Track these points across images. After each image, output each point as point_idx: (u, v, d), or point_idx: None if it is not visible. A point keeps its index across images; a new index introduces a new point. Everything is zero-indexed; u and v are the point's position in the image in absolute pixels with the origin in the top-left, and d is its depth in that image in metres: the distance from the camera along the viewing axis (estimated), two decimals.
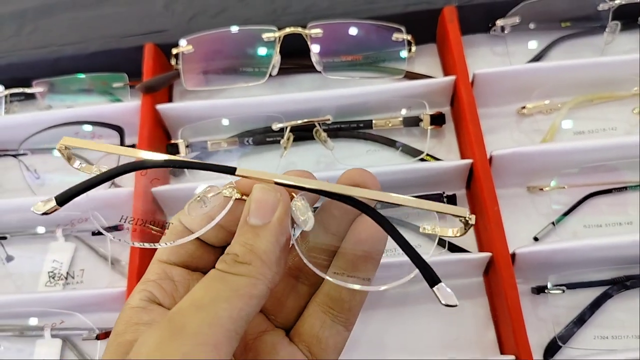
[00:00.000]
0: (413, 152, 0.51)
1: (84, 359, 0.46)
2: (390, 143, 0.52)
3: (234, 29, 0.53)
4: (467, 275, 0.46)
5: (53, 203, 0.22)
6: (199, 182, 0.49)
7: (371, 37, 0.53)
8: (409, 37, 0.53)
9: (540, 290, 0.44)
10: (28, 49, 0.57)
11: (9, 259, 0.51)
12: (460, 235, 0.24)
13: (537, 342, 0.43)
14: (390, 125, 0.52)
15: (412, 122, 0.51)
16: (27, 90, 0.56)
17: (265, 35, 0.52)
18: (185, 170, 0.51)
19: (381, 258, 0.26)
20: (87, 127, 0.52)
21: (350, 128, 0.52)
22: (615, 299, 0.44)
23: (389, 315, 0.46)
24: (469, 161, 0.46)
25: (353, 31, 0.53)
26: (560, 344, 0.42)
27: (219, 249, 0.26)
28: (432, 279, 0.22)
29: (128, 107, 0.52)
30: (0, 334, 0.48)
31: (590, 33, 0.54)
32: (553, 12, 0.54)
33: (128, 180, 0.51)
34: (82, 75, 0.56)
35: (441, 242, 0.47)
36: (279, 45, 0.51)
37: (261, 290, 0.22)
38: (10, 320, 0.48)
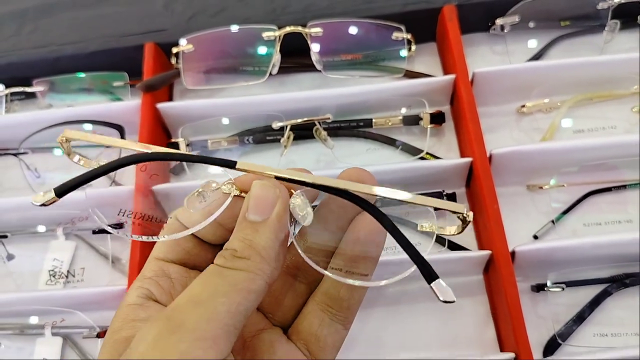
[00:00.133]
0: (413, 151, 0.51)
1: (84, 358, 0.46)
2: (390, 142, 0.52)
3: (234, 28, 0.53)
4: (467, 274, 0.46)
5: (52, 194, 0.22)
6: (200, 180, 0.49)
7: (371, 36, 0.53)
8: (409, 36, 0.53)
9: (539, 288, 0.44)
10: (28, 48, 0.57)
11: (10, 257, 0.51)
12: (458, 233, 0.24)
13: (536, 339, 0.43)
14: (390, 124, 0.52)
15: (412, 120, 0.51)
16: (28, 90, 0.56)
17: (265, 34, 0.52)
18: (186, 168, 0.51)
19: (380, 256, 0.26)
20: (88, 126, 0.52)
21: (350, 127, 0.52)
22: (614, 297, 0.44)
23: (388, 313, 0.46)
24: (468, 160, 0.46)
25: (353, 30, 0.53)
26: (559, 341, 0.42)
27: (216, 247, 0.26)
28: (430, 275, 0.22)
29: (128, 106, 0.53)
30: (0, 332, 0.48)
31: (589, 32, 0.54)
32: (552, 11, 0.54)
33: (128, 179, 0.52)
34: (83, 75, 0.56)
35: (441, 241, 0.47)
36: (279, 44, 0.52)
37: (259, 285, 0.22)
38: (10, 319, 0.48)
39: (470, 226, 0.48)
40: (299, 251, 0.24)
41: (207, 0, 0.58)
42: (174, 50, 0.53)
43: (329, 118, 0.49)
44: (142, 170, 0.43)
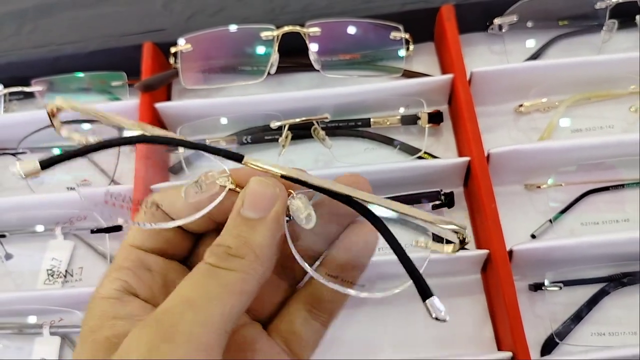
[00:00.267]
0: (411, 150, 0.51)
1: None
2: (388, 141, 0.52)
3: (233, 27, 0.53)
4: (465, 273, 0.47)
5: (36, 165, 0.20)
6: None
7: (369, 35, 0.53)
8: (407, 36, 0.53)
9: (537, 287, 0.44)
10: (27, 48, 0.57)
11: (8, 257, 0.52)
12: (454, 252, 0.23)
13: (534, 338, 0.43)
14: (388, 123, 0.52)
15: (410, 120, 0.52)
16: (26, 89, 0.56)
17: (263, 34, 0.52)
18: (184, 166, 0.51)
19: (367, 266, 0.25)
20: (86, 125, 0.52)
21: (348, 126, 0.52)
22: (612, 296, 0.44)
23: (385, 312, 0.46)
24: (466, 159, 0.46)
25: (351, 30, 0.53)
26: (557, 340, 0.42)
27: (195, 237, 0.25)
28: (424, 292, 0.21)
29: (127, 105, 0.53)
30: None
31: (587, 31, 0.54)
32: (550, 10, 0.54)
33: (127, 178, 0.52)
34: (81, 74, 0.56)
35: (439, 239, 0.47)
36: (277, 44, 0.52)
37: (252, 286, 0.21)
38: (9, 318, 0.48)
39: (468, 225, 0.48)
40: (293, 251, 0.23)
41: (206, 0, 0.58)
42: (173, 50, 0.53)
43: (327, 118, 0.49)
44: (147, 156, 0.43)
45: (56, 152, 0.54)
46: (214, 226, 0.25)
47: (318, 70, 0.53)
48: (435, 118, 0.51)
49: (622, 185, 0.48)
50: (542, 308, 0.44)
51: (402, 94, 0.51)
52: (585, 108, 0.52)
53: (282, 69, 0.53)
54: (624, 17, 0.52)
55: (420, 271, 0.21)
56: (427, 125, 0.50)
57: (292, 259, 0.23)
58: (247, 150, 0.53)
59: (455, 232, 0.22)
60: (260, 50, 0.53)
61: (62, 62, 0.55)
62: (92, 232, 0.51)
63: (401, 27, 0.53)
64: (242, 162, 0.22)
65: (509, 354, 0.40)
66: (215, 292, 0.20)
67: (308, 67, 0.53)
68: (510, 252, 0.43)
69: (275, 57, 0.52)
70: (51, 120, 0.24)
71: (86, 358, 0.20)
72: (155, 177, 0.50)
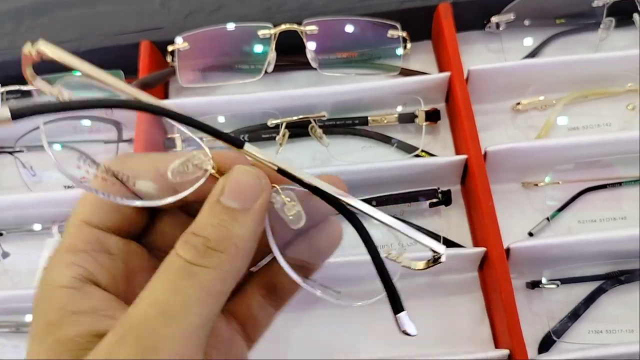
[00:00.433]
0: (408, 149, 0.51)
1: None
2: (386, 139, 0.52)
3: (230, 26, 0.53)
4: (462, 271, 0.47)
5: (6, 113, 0.17)
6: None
7: (366, 34, 0.53)
8: (404, 34, 0.53)
9: (534, 285, 0.44)
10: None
11: (5, 255, 0.51)
12: (423, 269, 0.22)
13: (531, 336, 0.43)
14: (385, 121, 0.52)
15: (408, 118, 0.52)
16: (23, 88, 0.56)
17: (260, 32, 0.52)
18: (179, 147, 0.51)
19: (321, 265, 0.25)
20: (86, 122, 0.52)
21: (345, 124, 0.52)
22: (609, 294, 0.44)
23: (382, 309, 0.46)
24: (463, 157, 0.46)
25: (348, 28, 0.53)
26: (554, 338, 0.42)
27: (151, 212, 0.23)
28: (396, 306, 0.21)
29: None
30: None
31: (584, 30, 0.54)
32: (548, 8, 0.54)
33: None
34: (78, 72, 0.56)
35: (436, 237, 0.47)
36: (274, 42, 0.52)
37: (230, 285, 0.20)
38: (6, 317, 0.48)
39: (466, 223, 0.49)
40: (274, 249, 0.22)
41: None
42: (170, 48, 0.53)
43: (324, 115, 0.49)
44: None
45: (57, 148, 0.54)
46: (179, 204, 0.22)
47: (315, 69, 0.53)
48: (432, 116, 0.51)
49: (620, 183, 0.48)
50: (540, 306, 0.44)
51: (400, 92, 0.51)
52: (583, 106, 0.52)
53: (279, 67, 0.53)
54: (621, 15, 0.52)
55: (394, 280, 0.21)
56: (424, 124, 0.50)
57: None
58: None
59: (432, 250, 0.21)
60: (258, 48, 0.53)
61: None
62: None
63: (399, 25, 0.53)
64: (242, 150, 0.20)
65: (506, 352, 0.40)
66: (194, 296, 0.18)
67: (305, 65, 0.53)
68: (508, 250, 0.43)
69: (272, 56, 0.52)
70: (23, 65, 0.21)
71: (45, 356, 0.18)
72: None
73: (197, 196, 0.21)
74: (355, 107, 0.52)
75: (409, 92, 0.51)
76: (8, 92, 0.57)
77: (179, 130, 0.51)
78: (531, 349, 0.42)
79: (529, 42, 0.54)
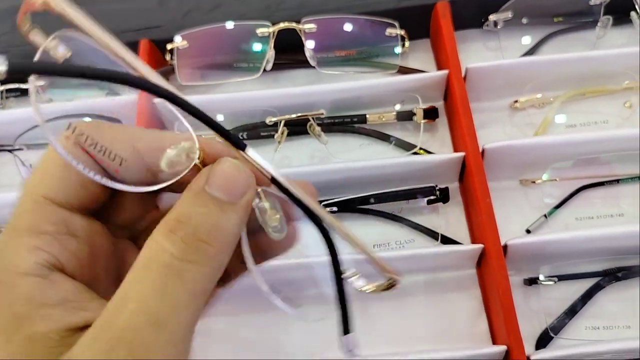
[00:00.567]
0: (406, 146, 0.51)
1: None
2: (384, 137, 0.52)
3: (229, 24, 0.53)
4: (460, 268, 0.47)
5: (3, 66, 0.15)
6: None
7: (365, 32, 0.53)
8: (403, 32, 0.54)
9: (532, 281, 0.45)
10: (23, 45, 0.57)
11: None
12: (375, 291, 0.22)
13: (529, 332, 0.43)
14: (383, 119, 0.52)
15: (406, 116, 0.52)
16: (23, 86, 0.56)
17: (259, 31, 0.52)
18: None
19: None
20: (86, 120, 0.52)
21: (344, 122, 0.52)
22: (606, 290, 0.44)
23: (380, 307, 0.46)
24: (461, 154, 0.46)
25: (347, 26, 0.53)
26: (552, 334, 0.43)
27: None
28: (345, 327, 0.20)
29: (126, 101, 0.52)
30: None
31: (582, 28, 0.54)
32: (545, 7, 0.54)
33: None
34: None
35: (434, 235, 0.47)
36: (273, 41, 0.52)
37: (214, 283, 0.18)
38: None
39: (463, 220, 0.49)
40: (245, 250, 0.20)
41: None
42: (169, 46, 0.53)
43: (322, 113, 0.49)
44: None
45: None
46: (154, 181, 0.21)
47: (314, 67, 0.53)
48: (430, 114, 0.51)
49: (617, 181, 0.48)
50: (537, 302, 0.44)
51: (398, 90, 0.51)
52: (580, 104, 0.52)
53: (278, 66, 0.53)
54: (618, 14, 0.52)
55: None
56: (422, 121, 0.50)
57: None
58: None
59: (386, 272, 0.21)
60: (256, 46, 0.53)
61: None
62: None
63: (397, 24, 0.53)
64: (243, 152, 0.19)
65: (503, 348, 0.40)
66: (183, 300, 0.17)
67: (304, 63, 0.53)
68: (505, 247, 0.43)
69: (271, 54, 0.52)
70: (21, 11, 0.19)
71: (19, 357, 0.16)
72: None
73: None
74: (353, 105, 0.52)
75: (407, 90, 0.51)
76: (8, 91, 0.57)
77: (178, 129, 0.52)
78: (529, 345, 0.43)
79: (526, 40, 0.55)
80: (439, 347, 0.44)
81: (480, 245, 0.43)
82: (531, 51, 0.54)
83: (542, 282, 0.44)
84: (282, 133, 0.49)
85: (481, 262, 0.45)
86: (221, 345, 0.45)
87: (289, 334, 0.45)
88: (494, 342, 0.44)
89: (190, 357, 0.18)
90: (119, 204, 0.22)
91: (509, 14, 0.53)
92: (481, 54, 0.55)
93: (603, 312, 0.44)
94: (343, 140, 0.53)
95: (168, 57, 0.54)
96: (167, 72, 0.54)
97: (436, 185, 0.47)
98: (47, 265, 0.17)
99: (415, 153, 0.50)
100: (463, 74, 0.49)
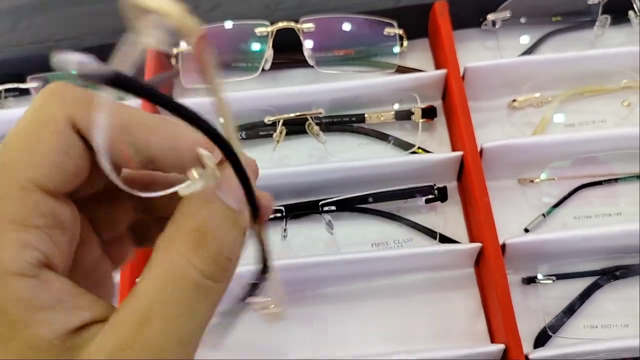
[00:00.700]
0: (405, 146, 0.51)
1: None
2: (382, 136, 0.52)
3: (227, 24, 0.53)
4: (458, 267, 0.47)
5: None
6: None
7: (363, 31, 0.54)
8: (401, 32, 0.54)
9: (530, 280, 0.45)
10: (23, 44, 0.57)
11: None
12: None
13: (527, 331, 0.43)
14: (382, 119, 0.52)
15: (404, 115, 0.52)
16: (22, 86, 0.56)
17: (258, 30, 0.52)
18: None
19: None
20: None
21: (342, 122, 0.52)
22: (604, 289, 0.44)
23: (379, 305, 0.46)
24: (459, 153, 0.46)
25: (345, 26, 0.53)
26: (550, 333, 0.43)
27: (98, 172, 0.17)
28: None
29: (130, 104, 0.53)
30: None
31: (580, 27, 0.54)
32: (543, 6, 0.54)
33: None
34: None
35: (432, 234, 0.47)
36: (271, 40, 0.52)
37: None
38: None
39: (462, 219, 0.49)
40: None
41: None
42: (174, 51, 0.53)
43: (320, 113, 0.49)
44: None
45: None
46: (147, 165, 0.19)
47: (312, 66, 0.53)
48: (429, 113, 0.51)
49: (615, 180, 0.48)
50: (535, 301, 0.45)
51: (396, 89, 0.51)
52: (579, 103, 0.52)
53: (276, 65, 0.53)
54: (616, 13, 0.52)
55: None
56: (420, 121, 0.51)
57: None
58: (242, 146, 0.53)
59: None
60: (255, 46, 0.53)
61: None
62: None
63: (395, 23, 0.53)
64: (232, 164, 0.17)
65: (501, 347, 0.40)
66: (208, 317, 0.17)
67: (302, 63, 0.53)
68: (503, 246, 0.43)
69: (269, 53, 0.52)
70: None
71: None
72: None
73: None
74: (352, 104, 0.52)
75: (406, 90, 0.51)
76: (6, 90, 0.57)
77: None
78: (527, 344, 0.43)
79: (525, 39, 0.55)
80: (437, 345, 0.44)
81: (479, 244, 0.43)
82: (529, 50, 0.54)
83: (541, 281, 0.44)
84: (281, 132, 0.50)
85: (479, 261, 0.45)
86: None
87: (288, 333, 0.45)
88: (492, 341, 0.44)
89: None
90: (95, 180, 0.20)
91: (507, 14, 0.53)
92: (479, 53, 0.55)
93: (601, 310, 0.44)
94: (341, 139, 0.53)
95: (174, 61, 0.54)
96: (172, 77, 0.54)
97: (434, 185, 0.47)
98: (38, 264, 0.16)
99: (413, 152, 0.50)
100: (461, 74, 0.49)
